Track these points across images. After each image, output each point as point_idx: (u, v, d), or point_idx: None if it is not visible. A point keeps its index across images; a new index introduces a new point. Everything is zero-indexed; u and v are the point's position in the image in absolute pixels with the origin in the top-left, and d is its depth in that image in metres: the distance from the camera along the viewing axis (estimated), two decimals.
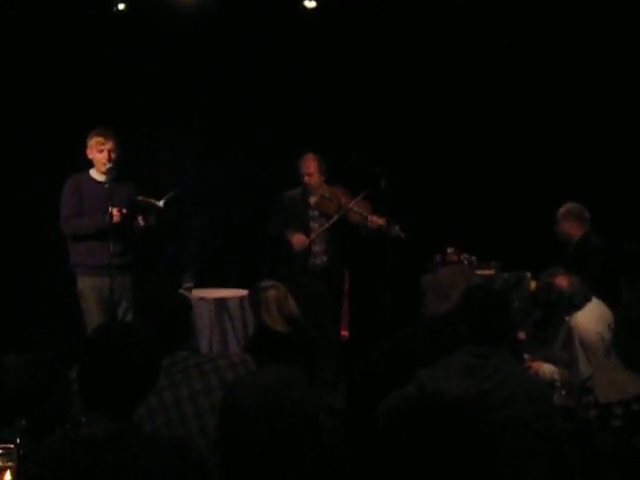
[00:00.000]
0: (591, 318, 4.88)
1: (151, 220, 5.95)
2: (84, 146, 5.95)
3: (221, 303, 6.39)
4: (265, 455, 2.11)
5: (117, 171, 5.92)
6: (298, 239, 6.57)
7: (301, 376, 2.22)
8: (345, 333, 7.07)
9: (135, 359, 2.49)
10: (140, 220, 5.91)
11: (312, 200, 6.72)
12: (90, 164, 5.98)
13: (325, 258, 6.70)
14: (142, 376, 2.52)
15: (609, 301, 5.06)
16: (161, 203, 5.94)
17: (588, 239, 6.26)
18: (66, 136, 6.48)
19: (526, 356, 4.84)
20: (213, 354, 4.58)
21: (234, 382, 2.76)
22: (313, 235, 6.63)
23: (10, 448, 2.74)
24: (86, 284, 5.92)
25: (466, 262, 6.78)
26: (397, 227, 6.44)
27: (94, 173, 5.98)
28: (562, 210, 6.37)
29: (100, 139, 5.88)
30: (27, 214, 6.82)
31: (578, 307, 4.90)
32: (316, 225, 6.70)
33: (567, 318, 4.91)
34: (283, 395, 2.13)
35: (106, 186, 5.72)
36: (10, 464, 2.72)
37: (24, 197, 6.81)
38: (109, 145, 5.88)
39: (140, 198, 5.96)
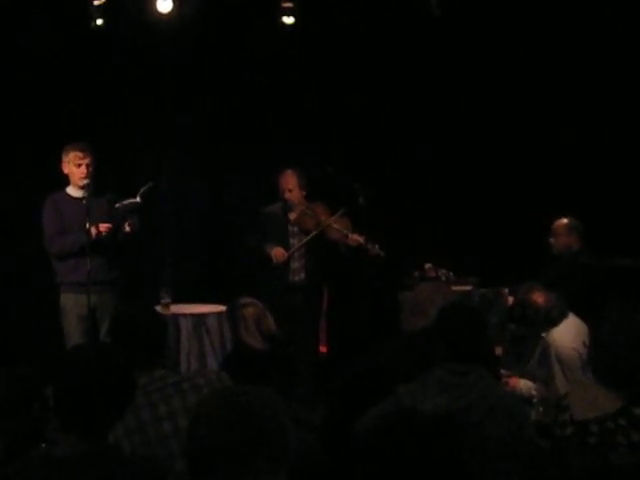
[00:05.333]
0: (568, 334, 4.89)
1: (135, 223, 5.92)
2: (57, 160, 5.92)
3: (199, 319, 6.36)
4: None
5: (94, 185, 5.90)
6: (278, 252, 6.56)
7: (275, 396, 2.19)
8: (323, 350, 7.07)
9: (109, 379, 2.48)
10: (126, 226, 5.89)
11: (292, 216, 6.71)
12: (65, 179, 5.96)
13: (304, 275, 6.69)
14: (116, 396, 2.51)
15: (588, 317, 5.06)
16: (138, 199, 5.93)
17: (582, 253, 6.29)
18: (35, 151, 6.47)
19: (503, 372, 4.84)
20: (190, 373, 4.55)
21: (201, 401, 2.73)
22: (292, 250, 6.63)
23: None
24: (68, 301, 5.90)
25: (444, 278, 6.79)
26: (377, 246, 6.44)
27: (71, 190, 5.96)
28: (565, 223, 6.35)
29: (79, 154, 5.85)
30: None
31: (554, 323, 4.91)
32: (295, 241, 6.69)
33: (544, 334, 4.93)
34: (255, 411, 2.11)
35: (83, 202, 5.72)
36: None
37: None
38: (87, 160, 5.86)
39: (118, 206, 5.94)
